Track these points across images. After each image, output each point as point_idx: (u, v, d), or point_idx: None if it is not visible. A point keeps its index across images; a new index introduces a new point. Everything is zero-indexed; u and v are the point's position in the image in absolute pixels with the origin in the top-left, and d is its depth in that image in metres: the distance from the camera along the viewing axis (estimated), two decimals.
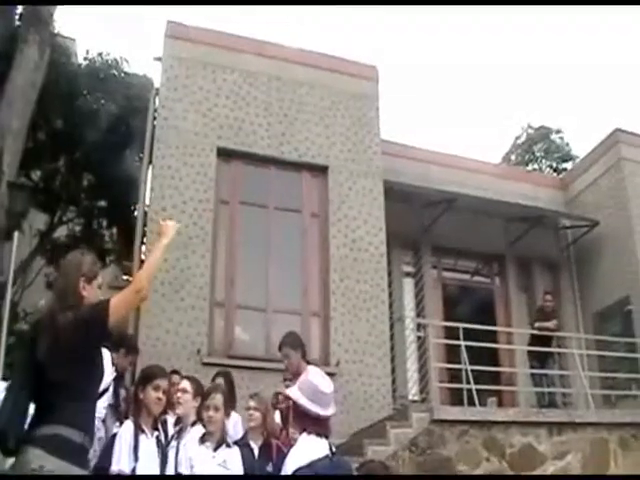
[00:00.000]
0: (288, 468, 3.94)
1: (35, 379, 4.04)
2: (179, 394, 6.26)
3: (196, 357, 10.95)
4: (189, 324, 11.17)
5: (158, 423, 5.70)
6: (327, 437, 4.13)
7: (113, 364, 7.21)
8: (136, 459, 5.18)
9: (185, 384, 6.36)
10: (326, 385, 4.18)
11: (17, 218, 12.08)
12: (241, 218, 12.37)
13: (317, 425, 4.12)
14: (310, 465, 3.86)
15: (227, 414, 6.03)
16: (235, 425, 7.07)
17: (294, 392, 4.15)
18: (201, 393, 6.26)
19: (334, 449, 4.11)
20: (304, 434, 4.08)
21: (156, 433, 5.56)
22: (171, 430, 6.22)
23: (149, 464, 5.30)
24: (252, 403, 6.72)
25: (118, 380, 7.55)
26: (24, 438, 3.92)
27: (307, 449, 3.99)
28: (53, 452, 3.86)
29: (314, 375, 4.23)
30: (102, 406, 6.96)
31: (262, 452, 6.54)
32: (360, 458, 7.73)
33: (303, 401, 4.08)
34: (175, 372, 7.71)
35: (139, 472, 5.16)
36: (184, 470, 5.66)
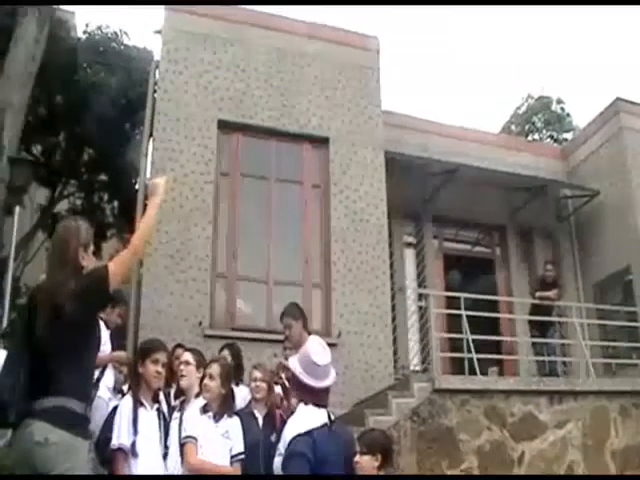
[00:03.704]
0: (287, 436, 3.99)
1: (34, 350, 4.04)
2: (182, 367, 6.26)
3: (198, 329, 10.98)
4: (191, 296, 11.19)
5: (159, 395, 5.73)
6: (325, 407, 4.16)
7: (104, 323, 7.23)
8: (135, 432, 5.21)
9: (187, 356, 6.35)
10: (320, 356, 4.18)
11: (18, 193, 12.10)
12: (242, 190, 12.35)
13: (313, 395, 4.15)
14: (308, 433, 3.91)
15: (234, 383, 6.01)
16: (245, 400, 7.04)
17: (293, 362, 4.19)
18: (203, 364, 6.24)
19: (333, 417, 4.15)
20: (302, 404, 4.12)
21: (156, 405, 5.59)
22: (173, 402, 6.27)
23: (150, 437, 5.35)
24: (258, 374, 6.72)
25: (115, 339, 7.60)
26: (25, 411, 3.95)
27: (305, 418, 4.03)
28: (57, 424, 3.89)
29: (312, 346, 4.24)
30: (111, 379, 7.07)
31: (266, 422, 6.59)
32: (362, 428, 7.78)
33: (298, 371, 4.12)
34: (180, 346, 7.75)
35: (140, 445, 5.19)
36: None
